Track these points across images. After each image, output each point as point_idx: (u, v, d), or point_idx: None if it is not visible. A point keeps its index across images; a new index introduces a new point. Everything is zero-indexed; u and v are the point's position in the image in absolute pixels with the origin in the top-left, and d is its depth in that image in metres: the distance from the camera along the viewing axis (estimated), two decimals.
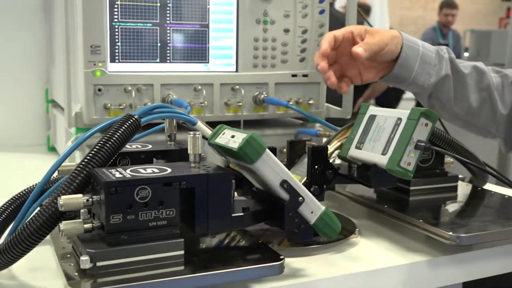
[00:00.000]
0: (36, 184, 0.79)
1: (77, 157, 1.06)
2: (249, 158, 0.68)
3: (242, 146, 0.67)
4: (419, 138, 0.79)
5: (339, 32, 1.00)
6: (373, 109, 0.90)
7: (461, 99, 1.08)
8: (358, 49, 0.97)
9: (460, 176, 1.05)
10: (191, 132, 0.70)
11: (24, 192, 0.81)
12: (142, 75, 1.07)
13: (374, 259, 0.81)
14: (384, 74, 1.06)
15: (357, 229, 0.89)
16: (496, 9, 12.42)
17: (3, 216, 0.78)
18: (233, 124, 0.99)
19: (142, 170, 0.67)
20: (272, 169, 0.70)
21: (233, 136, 0.71)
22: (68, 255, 0.69)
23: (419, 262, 0.80)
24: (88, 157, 0.68)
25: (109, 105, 1.04)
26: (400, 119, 0.82)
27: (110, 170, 0.66)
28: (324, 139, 1.09)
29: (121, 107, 1.05)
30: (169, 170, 0.67)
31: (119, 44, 1.05)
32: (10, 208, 0.78)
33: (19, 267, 0.69)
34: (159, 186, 0.64)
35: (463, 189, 1.03)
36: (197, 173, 0.67)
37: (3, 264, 0.65)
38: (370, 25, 1.14)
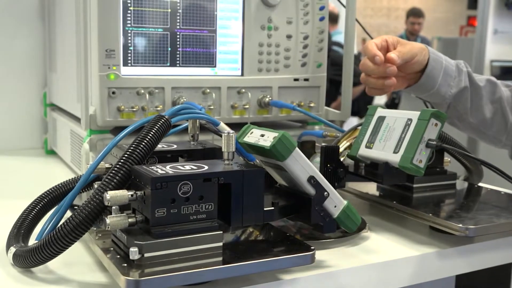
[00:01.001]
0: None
1: (84, 161, 1.08)
2: (280, 155, 0.72)
3: (275, 144, 0.72)
4: (430, 137, 0.85)
5: (377, 41, 1.05)
6: (381, 111, 0.96)
7: (476, 109, 1.14)
8: (393, 55, 1.02)
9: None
10: (226, 131, 0.74)
11: (50, 190, 0.84)
12: (154, 78, 1.10)
13: (387, 251, 0.86)
14: (410, 84, 1.11)
15: (367, 224, 0.95)
16: (456, 17, 12.73)
17: (35, 210, 0.81)
18: (238, 126, 1.04)
19: (181, 167, 0.71)
20: (301, 166, 0.74)
21: (262, 135, 0.75)
22: (109, 250, 0.72)
23: (428, 253, 0.86)
24: (126, 155, 0.72)
25: (122, 107, 1.08)
26: (410, 119, 0.88)
27: (151, 167, 0.70)
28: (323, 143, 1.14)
29: (133, 109, 1.08)
30: (206, 167, 0.71)
31: (131, 48, 1.09)
32: (41, 203, 0.81)
33: (55, 262, 0.72)
34: (200, 182, 0.68)
35: (461, 186, 1.09)
36: (233, 169, 0.71)
37: (49, 256, 0.68)
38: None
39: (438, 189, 1.04)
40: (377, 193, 1.05)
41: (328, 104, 1.32)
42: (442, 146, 0.85)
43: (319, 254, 0.82)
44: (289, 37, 1.22)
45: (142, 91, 1.09)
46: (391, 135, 0.90)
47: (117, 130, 1.08)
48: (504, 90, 1.16)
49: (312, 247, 0.72)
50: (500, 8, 4.50)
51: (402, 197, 1.01)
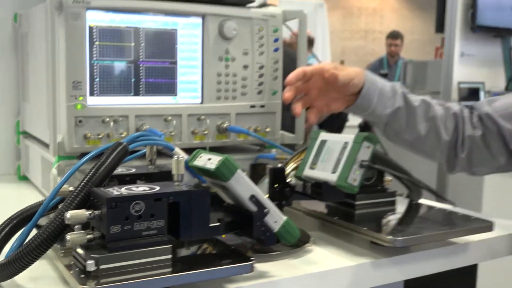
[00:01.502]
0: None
1: (53, 185, 1.16)
2: (224, 177, 0.82)
3: (218, 166, 0.81)
4: (363, 159, 0.95)
5: (309, 68, 1.14)
6: (323, 135, 1.06)
7: (411, 127, 1.23)
8: (333, 72, 1.11)
9: (398, 192, 1.22)
10: (175, 156, 0.83)
11: (19, 212, 0.92)
12: (118, 107, 1.19)
13: (327, 262, 0.96)
14: (348, 105, 1.20)
15: (311, 239, 1.04)
16: (431, 39, 13.00)
17: (4, 231, 0.89)
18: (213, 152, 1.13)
19: (135, 188, 0.79)
20: (243, 186, 0.84)
21: (209, 159, 0.85)
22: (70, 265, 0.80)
23: (364, 263, 0.95)
24: (86, 179, 0.81)
25: (88, 134, 1.16)
26: (347, 143, 0.98)
27: (107, 189, 0.79)
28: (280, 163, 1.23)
29: (99, 136, 1.17)
30: (158, 188, 0.80)
31: (97, 79, 1.18)
32: (10, 225, 0.89)
33: (22, 277, 0.80)
34: (151, 201, 0.77)
35: (401, 203, 1.19)
36: (181, 190, 0.80)
37: (15, 271, 0.76)
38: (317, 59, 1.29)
39: (378, 206, 1.13)
40: (324, 210, 1.15)
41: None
42: (372, 166, 0.95)
43: (265, 266, 0.91)
44: (245, 67, 1.32)
45: (107, 119, 1.18)
46: (330, 157, 1.00)
47: (84, 156, 1.16)
48: (438, 109, 1.26)
49: (252, 258, 0.81)
50: (466, 32, 4.66)
51: (345, 213, 1.10)
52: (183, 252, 0.87)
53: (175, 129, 1.25)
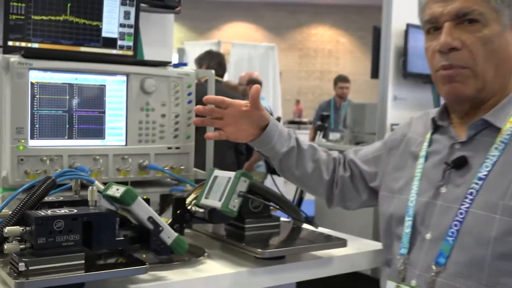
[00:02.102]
0: None
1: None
2: (127, 202, 1.09)
3: (123, 194, 1.08)
4: (241, 190, 1.24)
5: (229, 99, 1.42)
6: (216, 172, 1.35)
7: (300, 165, 1.52)
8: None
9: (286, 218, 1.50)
10: (90, 187, 1.10)
11: None
12: (54, 148, 1.45)
13: (213, 270, 1.23)
14: (253, 139, 1.48)
15: (206, 253, 1.31)
16: None
17: None
18: (123, 183, 1.40)
19: (58, 211, 1.06)
20: (142, 209, 1.11)
21: (117, 189, 1.12)
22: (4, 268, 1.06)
23: (241, 271, 1.23)
24: (21, 204, 1.07)
25: (29, 170, 1.42)
26: (230, 177, 1.27)
27: (37, 211, 1.05)
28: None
29: (38, 172, 1.43)
30: (75, 210, 1.07)
31: (37, 126, 1.44)
32: None
33: None
34: (69, 220, 1.03)
35: (286, 226, 1.47)
36: (93, 212, 1.07)
37: None
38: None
39: (265, 229, 1.41)
40: (223, 233, 1.42)
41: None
42: (246, 195, 1.23)
43: (164, 273, 1.17)
44: (163, 115, 1.60)
45: (45, 158, 1.44)
46: (219, 188, 1.28)
47: (32, 186, 1.41)
48: (322, 154, 1.56)
49: (146, 264, 1.08)
50: (398, 78, 5.06)
51: (237, 234, 1.38)
52: (98, 260, 1.13)
53: (102, 166, 1.51)
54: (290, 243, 1.34)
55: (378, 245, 1.46)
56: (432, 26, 1.31)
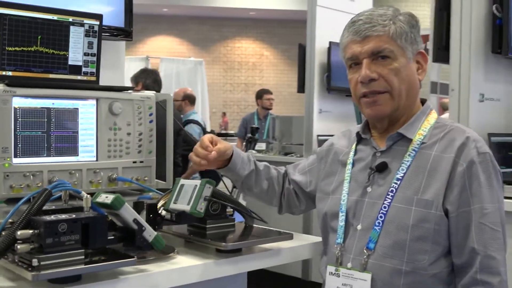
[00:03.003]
0: None
1: None
2: (116, 207, 1.32)
3: (113, 200, 1.31)
4: (206, 195, 1.49)
5: (208, 136, 1.67)
6: (182, 181, 1.59)
7: (258, 184, 1.81)
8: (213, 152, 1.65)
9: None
10: (84, 196, 1.32)
11: None
12: (35, 165, 1.66)
13: (185, 263, 1.47)
14: (219, 167, 1.73)
15: (176, 250, 1.55)
16: None
17: None
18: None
19: (60, 216, 1.27)
20: (128, 213, 1.34)
21: (107, 197, 1.35)
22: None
23: (209, 262, 1.48)
24: (26, 211, 1.28)
25: (13, 185, 1.61)
26: (196, 185, 1.52)
27: (43, 217, 1.26)
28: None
29: (21, 186, 1.63)
30: (74, 215, 1.29)
31: (20, 145, 1.64)
32: None
33: None
34: (71, 223, 1.25)
35: (240, 226, 1.73)
36: (89, 216, 1.29)
37: None
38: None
39: (223, 228, 1.66)
40: (187, 233, 1.67)
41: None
42: (211, 199, 1.49)
43: (145, 266, 1.41)
44: (128, 134, 1.83)
45: (27, 173, 1.64)
46: (186, 194, 1.53)
47: (10, 200, 1.61)
48: (273, 172, 1.86)
49: (134, 257, 1.31)
50: (323, 92, 5.42)
51: (200, 234, 1.63)
52: (94, 256, 1.35)
53: (77, 180, 1.73)
54: (245, 238, 1.61)
55: (316, 239, 1.75)
56: (353, 62, 1.62)
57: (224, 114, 17.95)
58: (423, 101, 1.69)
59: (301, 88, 5.70)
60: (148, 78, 4.61)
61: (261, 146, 6.40)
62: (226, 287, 1.69)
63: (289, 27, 19.20)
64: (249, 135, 6.77)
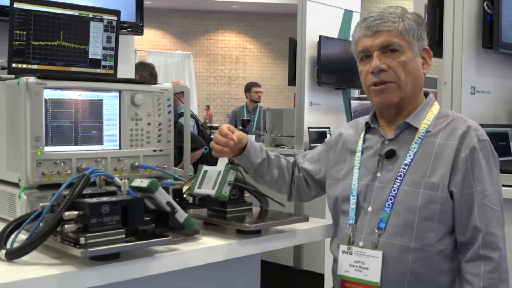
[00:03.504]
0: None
1: (24, 205, 1.69)
2: (151, 190, 1.43)
3: (149, 184, 1.42)
4: (230, 179, 1.61)
5: (227, 125, 1.80)
6: (205, 167, 1.71)
7: (269, 172, 1.93)
8: (235, 137, 1.77)
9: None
10: (122, 181, 1.43)
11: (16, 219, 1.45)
12: (65, 153, 1.75)
13: (210, 243, 1.58)
14: (235, 155, 1.85)
15: (199, 231, 1.66)
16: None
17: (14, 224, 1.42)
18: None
19: (101, 198, 1.38)
20: (162, 196, 1.45)
21: (142, 181, 1.46)
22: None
23: (233, 242, 1.59)
24: (70, 194, 1.38)
25: (45, 172, 1.71)
26: (220, 171, 1.63)
27: (86, 199, 1.37)
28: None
29: (52, 172, 1.72)
30: (114, 198, 1.40)
31: (50, 135, 1.74)
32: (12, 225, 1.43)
33: (34, 256, 1.35)
34: (112, 205, 1.36)
35: (256, 210, 1.85)
36: (128, 198, 1.40)
37: (34, 247, 1.31)
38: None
39: (241, 212, 1.77)
40: (206, 215, 1.78)
41: (177, 164, 2.04)
42: (235, 184, 1.61)
43: (174, 246, 1.52)
44: (149, 124, 1.94)
45: (58, 161, 1.73)
46: (210, 180, 1.64)
47: (42, 186, 1.71)
48: (283, 161, 1.98)
49: (169, 237, 1.43)
50: (313, 85, 5.54)
51: (221, 217, 1.74)
52: (132, 236, 1.46)
53: (103, 167, 1.83)
54: (263, 220, 1.73)
55: (328, 221, 1.88)
56: (364, 55, 1.75)
57: (208, 107, 18.01)
58: (426, 94, 1.82)
59: (292, 81, 5.81)
60: (144, 71, 4.69)
61: (251, 138, 6.51)
62: (244, 266, 1.81)
63: (272, 20, 19.28)
64: (240, 127, 6.91)
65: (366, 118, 1.87)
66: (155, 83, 1.99)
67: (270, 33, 19.34)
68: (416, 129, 1.72)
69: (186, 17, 19.01)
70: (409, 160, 1.67)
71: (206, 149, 4.21)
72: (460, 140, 1.66)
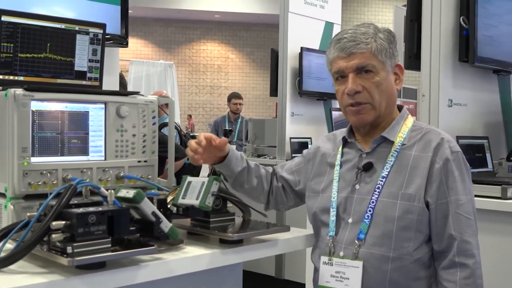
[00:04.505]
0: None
1: (10, 215, 1.71)
2: (137, 201, 1.47)
3: (135, 195, 1.46)
4: (213, 190, 1.65)
5: (205, 134, 1.83)
6: (189, 178, 1.75)
7: (249, 181, 1.97)
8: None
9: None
10: (108, 191, 1.47)
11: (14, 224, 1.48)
12: (51, 163, 1.78)
13: (194, 252, 1.62)
14: (215, 162, 1.89)
15: (184, 241, 1.70)
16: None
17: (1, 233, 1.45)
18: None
19: (88, 208, 1.42)
20: (148, 206, 1.49)
21: (127, 192, 1.49)
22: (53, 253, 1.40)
23: (216, 252, 1.64)
24: (57, 204, 1.41)
25: (32, 182, 1.74)
26: (204, 182, 1.68)
27: (73, 209, 1.40)
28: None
29: (39, 183, 1.75)
30: (101, 208, 1.43)
31: (37, 145, 1.77)
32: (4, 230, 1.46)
33: (20, 265, 1.38)
34: (99, 214, 1.40)
35: (238, 220, 1.89)
36: (114, 208, 1.44)
37: (20, 257, 1.34)
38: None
39: (224, 222, 1.82)
40: (189, 225, 1.82)
41: (158, 174, 2.08)
42: (219, 194, 1.65)
43: (159, 255, 1.56)
44: (134, 135, 1.97)
45: (44, 172, 1.76)
46: (194, 190, 1.69)
47: (28, 197, 1.74)
48: (263, 170, 2.03)
49: (154, 246, 1.46)
50: (295, 96, 5.61)
51: (204, 227, 1.78)
52: (118, 245, 1.49)
53: (88, 177, 1.86)
54: (246, 230, 1.77)
55: (310, 231, 1.92)
56: (339, 75, 1.81)
57: (190, 116, 18.04)
58: (400, 107, 1.89)
59: (274, 91, 5.88)
60: None
61: (232, 148, 6.56)
62: (226, 275, 1.85)
63: (254, 30, 19.39)
64: (223, 137, 6.96)
65: (343, 132, 1.93)
66: (131, 92, 2.03)
67: (252, 43, 19.45)
68: (392, 142, 1.78)
69: (169, 26, 19.05)
70: (386, 173, 1.73)
71: (188, 159, 4.25)
72: (434, 152, 1.72)
